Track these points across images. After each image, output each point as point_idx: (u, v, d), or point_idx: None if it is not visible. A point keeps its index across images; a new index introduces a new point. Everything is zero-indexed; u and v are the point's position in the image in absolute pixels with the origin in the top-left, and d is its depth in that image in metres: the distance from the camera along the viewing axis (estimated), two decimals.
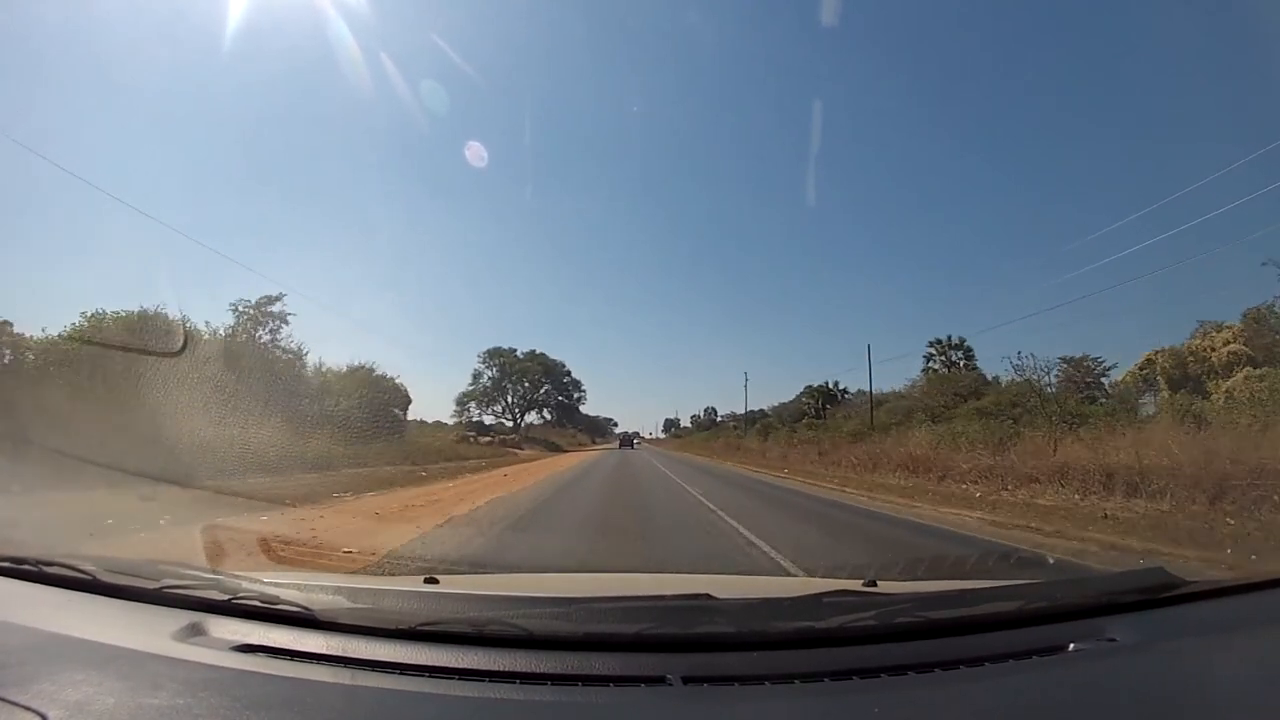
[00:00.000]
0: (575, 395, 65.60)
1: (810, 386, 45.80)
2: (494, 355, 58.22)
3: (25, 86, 29.49)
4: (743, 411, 60.88)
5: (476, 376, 57.74)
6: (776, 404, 53.23)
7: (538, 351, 60.30)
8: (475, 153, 47.85)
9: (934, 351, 32.54)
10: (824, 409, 41.21)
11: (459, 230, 69.92)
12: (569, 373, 63.54)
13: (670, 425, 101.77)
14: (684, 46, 50.32)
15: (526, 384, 59.04)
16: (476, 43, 45.24)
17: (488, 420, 57.97)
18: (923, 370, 32.35)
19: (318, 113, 49.25)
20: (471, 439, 40.97)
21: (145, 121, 39.17)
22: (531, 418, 62.08)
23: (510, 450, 40.36)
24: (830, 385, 43.57)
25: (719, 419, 77.85)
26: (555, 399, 63.27)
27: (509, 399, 59.18)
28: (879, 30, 47.57)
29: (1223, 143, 31.70)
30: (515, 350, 59.04)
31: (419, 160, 59.09)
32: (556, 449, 50.49)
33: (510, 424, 58.16)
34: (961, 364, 31.20)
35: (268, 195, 53.62)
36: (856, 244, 64.72)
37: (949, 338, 32.38)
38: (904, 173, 57.17)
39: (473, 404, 57.29)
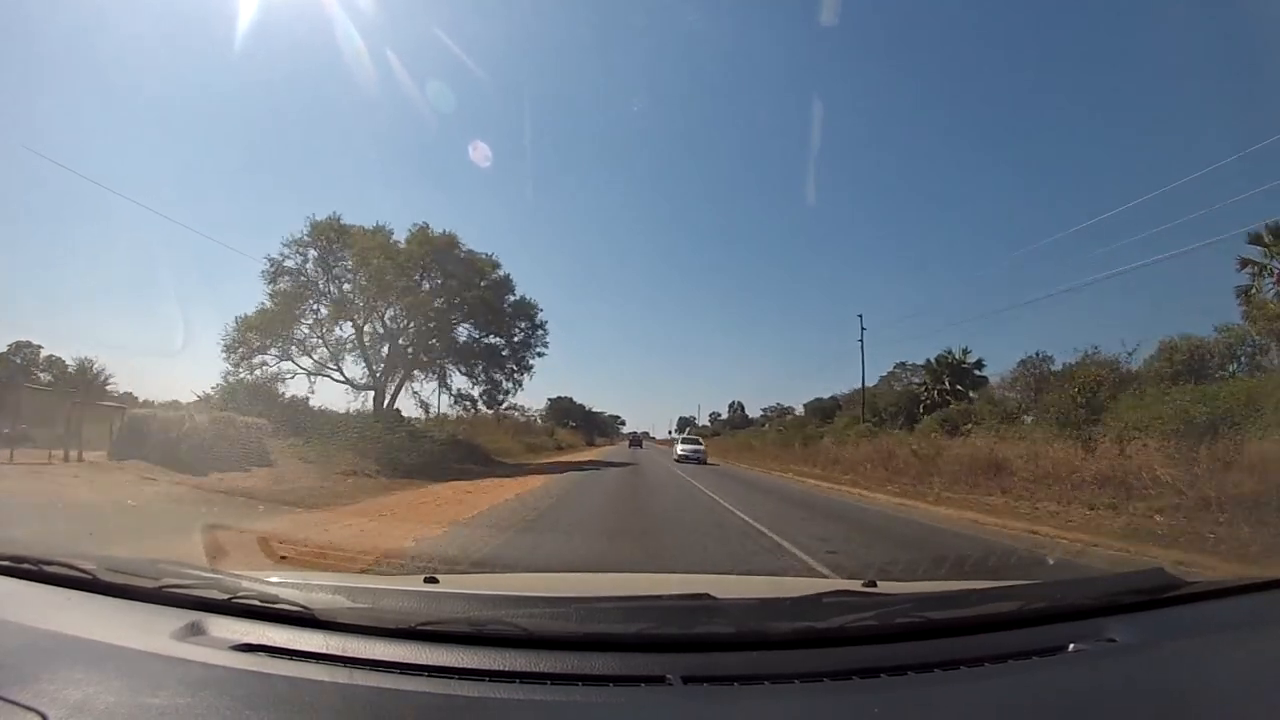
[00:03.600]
0: (517, 334, 27.17)
1: (903, 363, 33.43)
2: (326, 236, 22.89)
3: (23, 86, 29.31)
4: (785, 404, 43.58)
5: (273, 278, 22.81)
6: (849, 390, 36.55)
7: (438, 231, 24.46)
8: (480, 151, 44.34)
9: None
10: (955, 391, 27.01)
11: (459, 227, 68.97)
12: (507, 283, 26.37)
13: (685, 424, 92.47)
14: (689, 43, 50.22)
15: (392, 299, 22.93)
16: (486, 42, 44.73)
17: (330, 394, 27.93)
18: (1244, 293, 16.61)
19: (323, 106, 48.25)
20: None
21: (148, 119, 38.90)
22: (434, 393, 27.07)
23: None
24: (956, 355, 28.13)
25: (766, 413, 61.33)
26: (478, 339, 26.40)
27: (365, 339, 23.87)
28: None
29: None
30: (385, 228, 23.53)
31: (422, 156, 58.46)
32: (464, 471, 18.70)
33: (374, 395, 23.86)
34: None
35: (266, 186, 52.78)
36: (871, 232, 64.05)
37: None
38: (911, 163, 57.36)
39: (269, 346, 22.62)
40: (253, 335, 22.34)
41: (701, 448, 32.05)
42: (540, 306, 27.62)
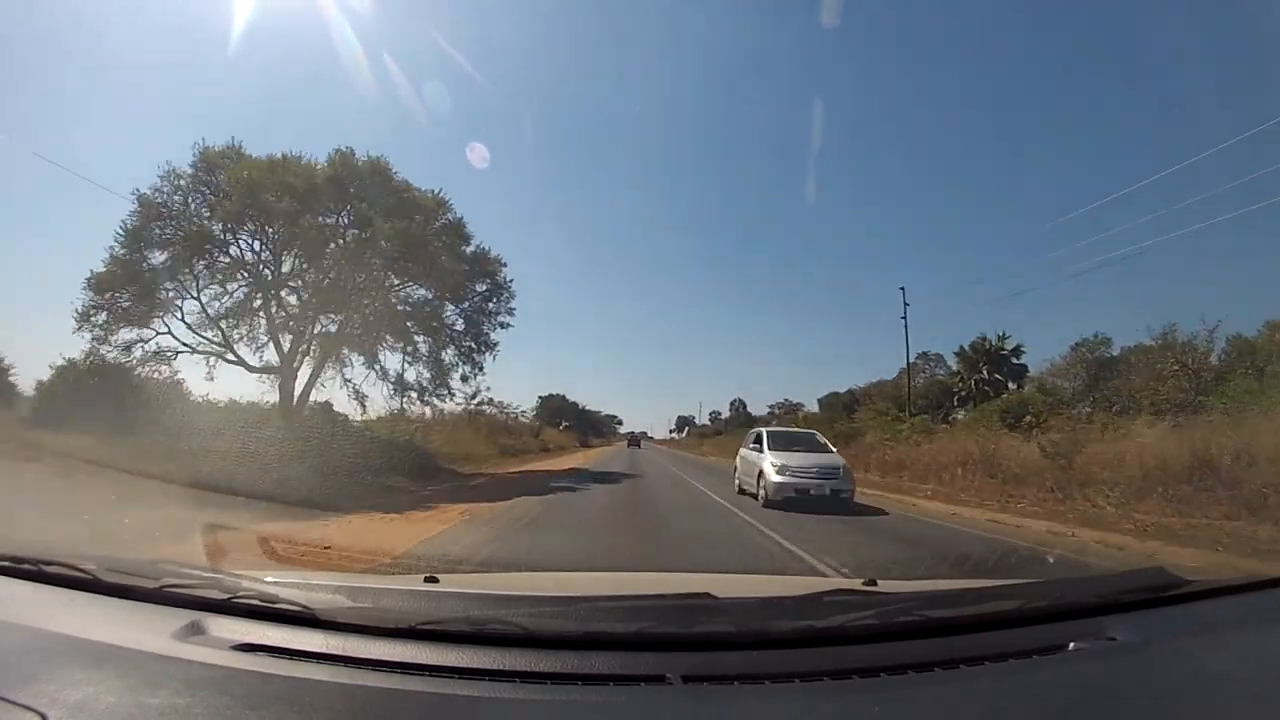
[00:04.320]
0: (473, 298, 18.80)
1: (926, 353, 30.40)
2: (221, 170, 15.28)
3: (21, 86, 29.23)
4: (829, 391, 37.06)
5: (143, 221, 15.17)
6: (865, 383, 35.00)
7: (365, 157, 16.65)
8: (479, 152, 43.39)
9: None
10: (994, 380, 24.71)
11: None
12: (459, 229, 18.10)
13: (684, 423, 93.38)
14: (689, 42, 50.17)
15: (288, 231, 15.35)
16: (484, 43, 44.37)
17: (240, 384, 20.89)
18: None
19: (320, 107, 47.62)
20: None
21: (145, 117, 38.67)
22: (366, 379, 18.35)
23: None
24: (993, 342, 25.46)
25: (774, 410, 58.69)
26: (418, 305, 18.39)
27: (270, 305, 16.46)
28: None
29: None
30: (300, 159, 16.17)
31: (422, 157, 58.04)
32: (369, 489, 10.86)
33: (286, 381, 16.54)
34: None
35: None
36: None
37: None
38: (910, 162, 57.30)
39: (143, 312, 15.30)
40: (119, 298, 15.41)
41: (840, 465, 12.36)
42: (505, 262, 19.41)
